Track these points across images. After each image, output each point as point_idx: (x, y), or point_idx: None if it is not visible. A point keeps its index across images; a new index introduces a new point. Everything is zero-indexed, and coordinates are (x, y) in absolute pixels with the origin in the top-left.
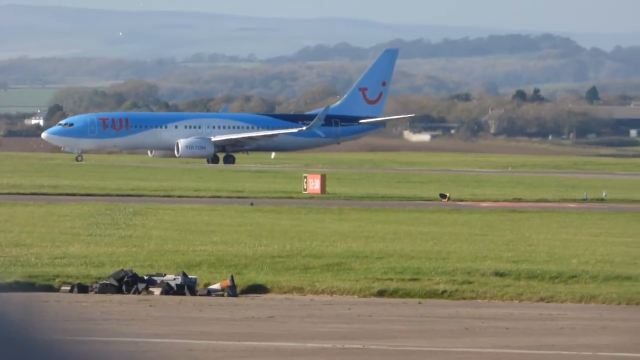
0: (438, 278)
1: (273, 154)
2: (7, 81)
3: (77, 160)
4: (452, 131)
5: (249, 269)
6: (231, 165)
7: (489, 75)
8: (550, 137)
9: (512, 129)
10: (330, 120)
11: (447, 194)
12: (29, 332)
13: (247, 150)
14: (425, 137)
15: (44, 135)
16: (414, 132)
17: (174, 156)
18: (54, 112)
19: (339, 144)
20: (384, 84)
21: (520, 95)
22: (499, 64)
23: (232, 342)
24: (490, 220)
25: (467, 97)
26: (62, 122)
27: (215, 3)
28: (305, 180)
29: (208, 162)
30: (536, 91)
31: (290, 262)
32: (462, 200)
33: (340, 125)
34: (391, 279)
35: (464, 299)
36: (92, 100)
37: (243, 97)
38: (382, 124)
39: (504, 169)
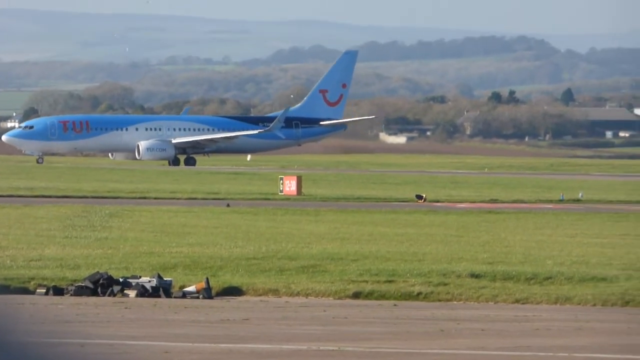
0: (413, 280)
1: (249, 156)
2: None
3: (37, 162)
4: (428, 133)
5: (225, 270)
6: (192, 167)
7: (464, 77)
8: (526, 139)
9: (487, 131)
10: (291, 122)
11: (423, 195)
12: (4, 334)
13: (207, 152)
14: (401, 139)
15: (4, 137)
16: (390, 134)
17: (135, 158)
18: (30, 115)
19: (299, 145)
20: (344, 85)
21: (496, 97)
22: (474, 66)
23: (208, 344)
24: (467, 222)
25: (442, 99)
26: (22, 124)
27: (188, 6)
28: (281, 181)
29: (169, 164)
30: (511, 93)
31: (266, 264)
32: (438, 202)
33: (300, 127)
34: (366, 281)
35: (440, 300)
36: (68, 103)
37: (218, 99)
38: (343, 125)
39: (480, 170)
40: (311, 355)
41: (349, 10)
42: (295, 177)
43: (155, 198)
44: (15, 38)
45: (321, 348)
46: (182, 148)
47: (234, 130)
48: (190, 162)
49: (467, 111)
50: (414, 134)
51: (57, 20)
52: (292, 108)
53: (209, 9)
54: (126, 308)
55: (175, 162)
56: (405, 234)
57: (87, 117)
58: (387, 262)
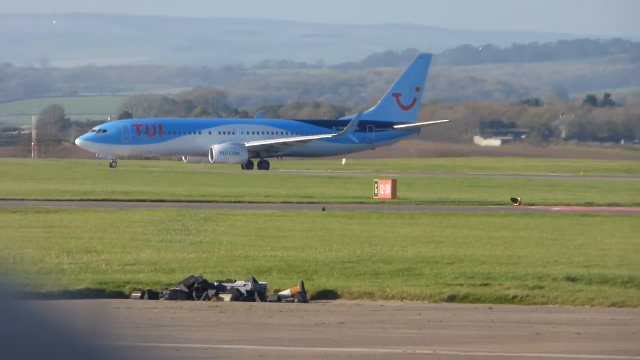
0: (509, 283)
1: (344, 160)
2: (76, 89)
3: (110, 166)
4: (523, 136)
5: (319, 274)
6: (265, 170)
7: (558, 80)
8: (622, 142)
9: (582, 134)
10: (364, 125)
11: (518, 198)
12: (98, 338)
13: (281, 156)
14: (495, 142)
15: (77, 141)
16: (485, 137)
17: (208, 162)
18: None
19: (373, 149)
20: (417, 89)
21: (591, 100)
22: (568, 69)
23: (303, 347)
24: (562, 225)
25: (537, 102)
26: (96, 128)
27: (281, 10)
28: (376, 185)
29: (242, 168)
30: (607, 96)
31: (361, 267)
32: (533, 205)
33: (374, 131)
34: (461, 284)
35: (535, 304)
36: (162, 107)
37: (312, 103)
38: (417, 129)
39: (575, 173)
40: (406, 359)
41: (443, 13)
42: (390, 181)
43: (249, 202)
44: (109, 43)
45: (416, 352)
46: (255, 152)
47: (307, 134)
48: (263, 165)
49: (562, 114)
50: (509, 137)
51: (150, 24)
52: (365, 112)
53: (302, 13)
54: (221, 312)
55: (248, 165)
56: (500, 237)
57: (160, 120)
58: (482, 265)
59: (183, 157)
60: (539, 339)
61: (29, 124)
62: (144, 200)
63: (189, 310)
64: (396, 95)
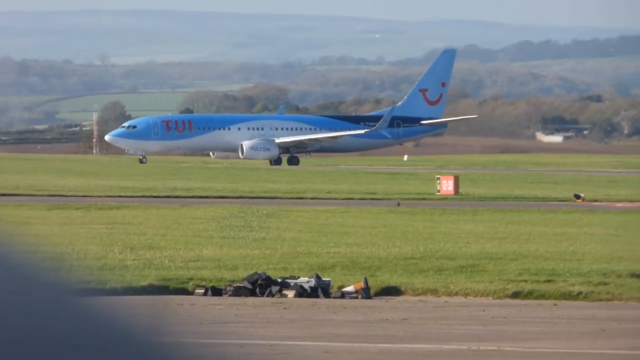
0: (573, 279)
1: (405, 157)
2: (136, 85)
3: (140, 162)
4: (585, 132)
5: (383, 270)
6: (295, 166)
7: (620, 76)
8: None
9: None
10: (393, 121)
11: (582, 195)
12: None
13: (309, 152)
14: (557, 138)
15: (107, 137)
16: (547, 134)
17: (237, 158)
18: None
19: (401, 144)
20: (443, 84)
21: None
22: (630, 65)
23: (367, 344)
24: (626, 221)
25: (598, 99)
26: (126, 124)
27: (340, 5)
28: (438, 181)
29: (271, 164)
30: None
31: (424, 263)
32: (596, 201)
33: (402, 126)
34: (525, 281)
35: (600, 300)
36: (222, 103)
37: (374, 99)
38: (444, 125)
39: (638, 169)
40: (471, 355)
41: (502, 9)
42: (452, 177)
43: (312, 198)
44: (169, 39)
45: (481, 348)
46: (285, 147)
47: (335, 129)
48: (293, 161)
49: (624, 110)
50: (571, 134)
51: (210, 21)
52: (393, 107)
53: (360, 9)
54: (285, 308)
55: (277, 161)
56: (564, 234)
57: (190, 116)
58: (546, 262)
59: (211, 153)
60: (604, 336)
61: (90, 120)
62: (206, 197)
63: (253, 307)
64: (423, 91)
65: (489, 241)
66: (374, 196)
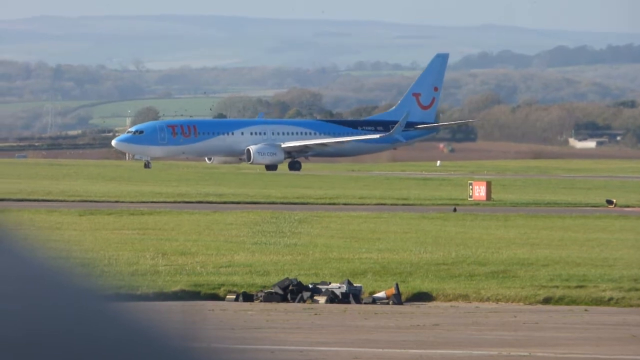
0: (605, 285)
1: (438, 162)
2: (170, 91)
3: (145, 167)
4: (618, 138)
5: (414, 276)
6: (297, 172)
7: None
8: None
9: None
10: (388, 125)
11: (614, 200)
12: (193, 341)
13: (308, 156)
14: (590, 144)
15: (114, 142)
16: (580, 140)
17: (236, 162)
18: None
19: (395, 149)
20: (435, 89)
21: None
22: None
23: (398, 349)
24: None
25: (632, 104)
26: (132, 129)
27: (374, 11)
28: (470, 187)
29: (266, 169)
30: None
31: (455, 269)
32: (629, 207)
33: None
34: (557, 286)
35: (631, 306)
36: (256, 109)
37: None
38: (436, 129)
39: None
40: None
41: (537, 15)
42: (484, 183)
43: (344, 204)
44: (203, 45)
45: (512, 354)
46: (288, 152)
47: (334, 134)
48: (295, 166)
49: None
50: (604, 139)
51: (244, 26)
52: (386, 111)
53: (395, 14)
54: (316, 314)
55: (272, 167)
56: (596, 239)
57: (195, 121)
58: (578, 268)
59: (206, 159)
60: (635, 342)
61: (123, 125)
62: (239, 203)
63: (284, 313)
64: (416, 95)
65: (521, 247)
66: (406, 202)
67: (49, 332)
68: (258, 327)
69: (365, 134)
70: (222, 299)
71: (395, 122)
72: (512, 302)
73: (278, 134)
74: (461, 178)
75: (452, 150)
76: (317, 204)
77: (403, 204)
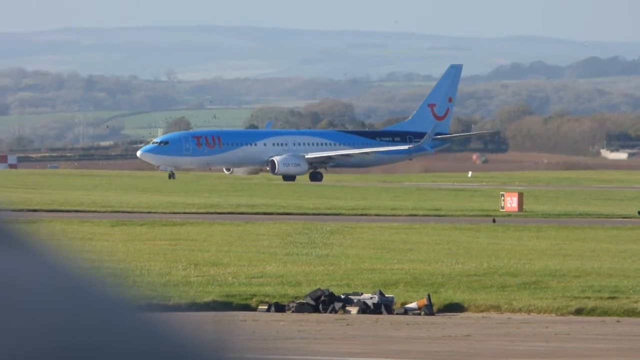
0: (637, 296)
1: (470, 173)
2: (203, 102)
3: (170, 177)
4: None
5: (446, 287)
6: (319, 182)
7: None
8: None
9: None
10: (405, 136)
11: None
12: (225, 352)
13: (327, 167)
14: (622, 155)
15: (138, 153)
16: (611, 151)
17: (254, 173)
18: None
19: (410, 159)
20: (450, 99)
21: None
22: None
23: None
24: None
25: None
26: (157, 140)
27: (407, 22)
28: (502, 198)
29: (284, 179)
30: None
31: (487, 280)
32: None
33: (413, 142)
34: (589, 297)
35: None
36: (288, 119)
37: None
38: (450, 140)
39: None
40: None
41: (569, 26)
42: (516, 194)
43: (376, 215)
44: (235, 55)
45: None
46: (310, 162)
47: (352, 144)
48: (317, 177)
49: None
50: (636, 150)
51: (276, 37)
52: (402, 122)
53: (426, 26)
54: (348, 325)
55: (291, 177)
56: (628, 250)
57: (219, 132)
58: (610, 279)
59: (224, 169)
60: None
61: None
62: (270, 214)
63: (316, 323)
64: (431, 106)
65: (553, 258)
66: (437, 213)
67: (80, 343)
68: (290, 338)
69: (386, 145)
70: (254, 309)
71: (411, 133)
72: (544, 313)
73: (299, 144)
74: (493, 189)
75: (485, 161)
76: (349, 214)
77: (435, 215)
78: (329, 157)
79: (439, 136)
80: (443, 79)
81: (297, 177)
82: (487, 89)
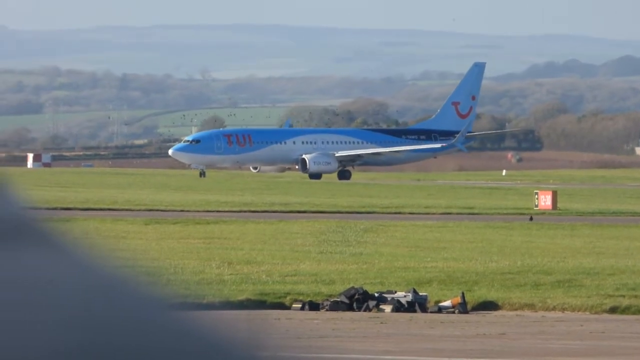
0: None
1: (504, 171)
2: (237, 100)
3: (200, 176)
4: None
5: (480, 285)
6: (347, 180)
7: None
8: None
9: None
10: (430, 134)
11: None
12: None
13: (354, 165)
14: None
15: (170, 152)
16: None
17: (282, 171)
18: None
19: (435, 157)
20: (473, 97)
21: None
22: None
23: (464, 359)
24: None
25: None
26: (189, 138)
27: (441, 21)
28: (536, 196)
29: (310, 178)
30: None
31: (521, 278)
32: None
33: (438, 139)
34: (623, 296)
35: None
36: (322, 118)
37: None
38: (473, 138)
39: None
40: None
41: (604, 24)
42: (550, 192)
43: (409, 213)
44: (269, 54)
45: None
46: (340, 161)
47: (380, 142)
48: (345, 175)
49: None
50: None
51: (310, 35)
52: (428, 120)
53: (460, 24)
54: (382, 323)
55: (317, 175)
56: None
57: (249, 130)
58: None
59: (251, 167)
60: None
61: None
62: (304, 212)
63: (350, 322)
64: (455, 104)
65: (587, 256)
66: (471, 211)
67: (113, 343)
68: (324, 336)
69: (415, 143)
70: (288, 307)
71: (436, 131)
72: (578, 311)
73: (328, 142)
74: (527, 187)
75: (519, 160)
76: (383, 213)
77: (469, 213)
78: (358, 156)
79: (468, 133)
80: (467, 77)
81: (325, 175)
82: (521, 87)
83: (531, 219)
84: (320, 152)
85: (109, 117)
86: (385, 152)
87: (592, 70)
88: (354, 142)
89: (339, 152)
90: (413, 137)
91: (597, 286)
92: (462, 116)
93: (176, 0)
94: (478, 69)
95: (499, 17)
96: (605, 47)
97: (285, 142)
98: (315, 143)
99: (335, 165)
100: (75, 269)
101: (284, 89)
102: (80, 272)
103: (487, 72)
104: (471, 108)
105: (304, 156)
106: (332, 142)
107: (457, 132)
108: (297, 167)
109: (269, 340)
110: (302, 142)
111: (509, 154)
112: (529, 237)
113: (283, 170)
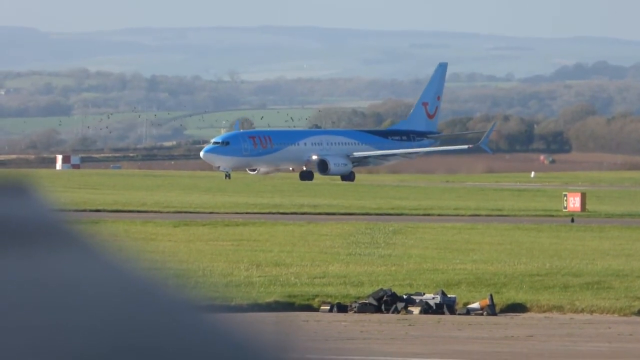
0: None
1: (533, 173)
2: (265, 102)
3: (226, 178)
4: None
5: (508, 287)
6: (351, 182)
7: None
8: None
9: None
10: (409, 135)
11: None
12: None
13: (355, 166)
14: None
15: (201, 154)
16: None
17: (290, 171)
18: None
19: (412, 159)
20: (438, 98)
21: None
22: None
23: None
24: None
25: None
26: (218, 140)
27: (470, 22)
28: (565, 198)
29: (301, 179)
30: None
31: (550, 280)
32: None
33: (415, 140)
34: None
35: None
36: (351, 120)
37: (502, 116)
38: (438, 140)
39: None
40: None
41: (633, 26)
42: (579, 194)
43: (438, 215)
44: (298, 56)
45: None
46: (352, 162)
47: (371, 143)
48: (350, 176)
49: None
50: None
51: (339, 37)
52: (402, 121)
53: (490, 26)
54: (410, 325)
55: (308, 176)
56: None
57: (269, 131)
58: None
59: (248, 170)
60: None
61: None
62: (333, 214)
63: (378, 323)
64: (424, 104)
65: (615, 258)
66: (500, 213)
67: (143, 345)
68: (352, 338)
69: (399, 144)
70: (317, 309)
71: (412, 132)
72: (606, 313)
73: (332, 144)
74: (555, 189)
75: (552, 162)
76: (411, 214)
77: (497, 215)
78: (371, 156)
79: (437, 135)
80: (433, 77)
81: (321, 176)
82: (550, 89)
83: (572, 220)
84: (338, 154)
85: (139, 116)
86: (400, 153)
87: (621, 72)
88: (348, 143)
89: (354, 153)
90: (397, 137)
91: (626, 288)
92: (430, 116)
93: (205, 2)
94: (442, 69)
95: (528, 19)
96: (634, 49)
97: (298, 144)
98: (321, 144)
99: (350, 166)
100: (104, 272)
101: (313, 91)
102: (108, 274)
103: (516, 75)
104: (437, 108)
105: (323, 158)
106: (335, 144)
107: (428, 133)
108: (303, 167)
109: (297, 343)
110: (312, 144)
111: (542, 157)
112: (558, 239)
113: (273, 172)
